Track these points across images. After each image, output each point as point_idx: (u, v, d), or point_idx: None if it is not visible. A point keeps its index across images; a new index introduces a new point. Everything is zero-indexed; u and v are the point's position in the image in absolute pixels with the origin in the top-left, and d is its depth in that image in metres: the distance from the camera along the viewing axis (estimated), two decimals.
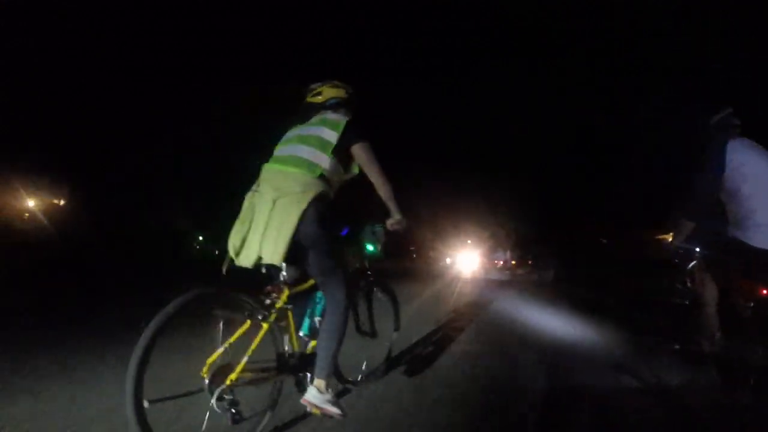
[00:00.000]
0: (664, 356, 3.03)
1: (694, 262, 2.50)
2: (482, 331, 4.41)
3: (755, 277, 2.21)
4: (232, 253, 1.79)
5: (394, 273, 13.24)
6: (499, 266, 18.29)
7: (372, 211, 2.21)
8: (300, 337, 1.98)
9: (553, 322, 5.03)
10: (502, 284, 11.18)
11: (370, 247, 2.21)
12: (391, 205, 2.05)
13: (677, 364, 2.80)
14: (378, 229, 2.26)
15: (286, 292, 1.81)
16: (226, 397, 1.53)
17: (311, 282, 1.97)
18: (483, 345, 3.70)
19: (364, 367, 2.50)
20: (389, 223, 2.14)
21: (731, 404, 2.19)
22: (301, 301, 1.98)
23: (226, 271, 1.81)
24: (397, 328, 2.67)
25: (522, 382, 2.65)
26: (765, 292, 2.18)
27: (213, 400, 1.50)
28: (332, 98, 2.13)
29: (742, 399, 2.09)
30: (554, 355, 3.34)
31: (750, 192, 2.20)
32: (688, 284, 2.55)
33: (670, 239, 2.47)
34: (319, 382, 1.80)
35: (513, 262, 17.99)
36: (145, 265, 14.29)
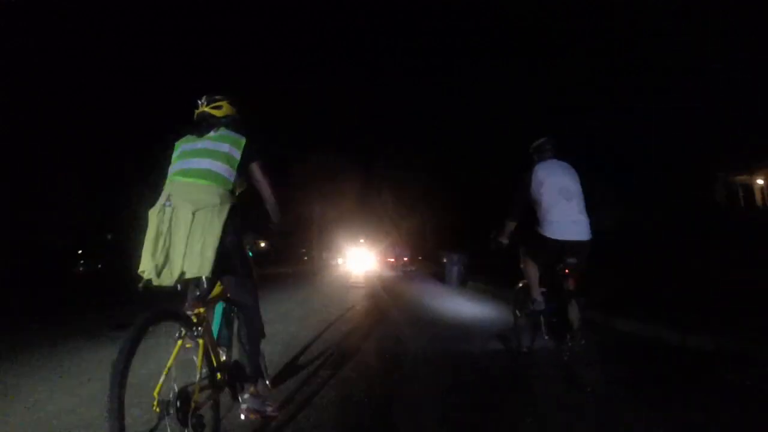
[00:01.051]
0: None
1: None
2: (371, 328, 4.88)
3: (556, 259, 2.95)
4: (152, 272, 1.71)
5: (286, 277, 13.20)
6: (393, 263, 18.76)
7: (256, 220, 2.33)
8: (219, 348, 2.02)
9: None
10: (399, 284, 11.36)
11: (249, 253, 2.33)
12: (275, 214, 2.18)
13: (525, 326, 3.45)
14: (255, 236, 2.35)
15: (203, 308, 1.81)
16: (192, 421, 1.54)
17: (215, 293, 2.02)
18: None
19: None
20: (270, 226, 2.23)
21: (556, 347, 3.01)
22: (209, 315, 1.99)
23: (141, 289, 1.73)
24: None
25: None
26: (566, 271, 2.88)
27: (184, 428, 1.50)
28: (230, 115, 2.21)
29: (564, 343, 2.81)
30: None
31: (547, 199, 2.94)
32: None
33: (499, 236, 3.27)
34: (253, 389, 1.91)
35: (405, 259, 18.29)
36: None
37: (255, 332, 2.03)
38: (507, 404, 2.42)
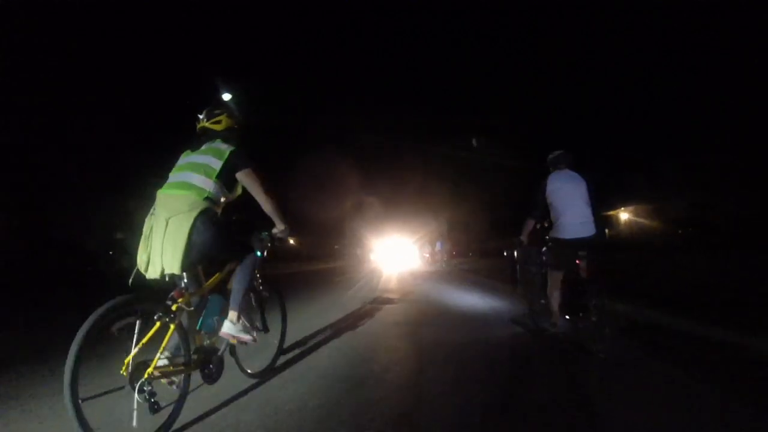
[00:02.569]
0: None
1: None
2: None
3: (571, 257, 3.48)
4: (141, 268, 2.13)
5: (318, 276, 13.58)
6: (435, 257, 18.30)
7: (263, 223, 2.65)
8: (200, 333, 2.34)
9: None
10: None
11: (257, 253, 2.60)
12: (275, 218, 2.54)
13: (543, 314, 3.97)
14: (264, 236, 2.66)
15: (186, 297, 2.17)
16: (146, 389, 1.85)
17: (206, 287, 2.37)
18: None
19: (261, 359, 2.94)
20: (274, 231, 2.63)
21: (573, 326, 3.56)
22: (199, 304, 2.33)
23: (132, 283, 2.09)
24: (283, 324, 3.12)
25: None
26: (578, 261, 3.42)
27: (135, 393, 1.81)
28: (228, 127, 2.52)
29: (579, 321, 3.40)
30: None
31: (559, 204, 3.55)
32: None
33: (520, 235, 3.89)
34: (232, 314, 2.31)
35: (453, 253, 18.17)
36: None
37: (246, 273, 2.43)
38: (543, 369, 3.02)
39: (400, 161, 26.83)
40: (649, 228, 22.70)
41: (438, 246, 19.72)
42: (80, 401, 1.64)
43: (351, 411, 2.21)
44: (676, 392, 2.40)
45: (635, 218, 23.97)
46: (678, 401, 2.26)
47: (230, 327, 2.31)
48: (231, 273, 2.48)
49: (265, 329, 2.85)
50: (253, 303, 2.77)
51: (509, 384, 2.62)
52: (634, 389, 2.44)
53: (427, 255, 21.30)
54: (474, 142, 23.49)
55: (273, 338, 3.01)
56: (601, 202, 3.64)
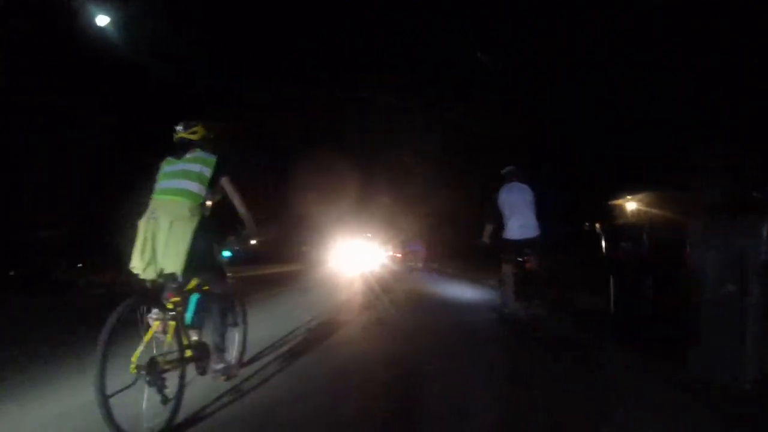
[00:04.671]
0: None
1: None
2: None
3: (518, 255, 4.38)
4: (140, 268, 2.32)
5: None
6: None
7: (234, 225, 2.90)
8: (188, 329, 2.57)
9: None
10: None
11: (226, 253, 2.88)
12: (249, 221, 2.80)
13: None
14: (233, 239, 2.92)
15: (178, 297, 2.42)
16: (158, 383, 2.09)
17: (190, 286, 2.61)
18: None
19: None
20: (245, 233, 2.88)
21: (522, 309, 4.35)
22: (184, 303, 2.56)
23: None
24: (244, 322, 3.23)
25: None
26: (523, 259, 4.35)
27: (151, 387, 2.05)
28: (203, 137, 2.76)
29: (526, 305, 4.28)
30: None
31: (509, 211, 4.40)
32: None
33: (482, 237, 4.72)
34: (220, 355, 2.60)
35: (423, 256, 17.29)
36: None
37: (222, 314, 2.69)
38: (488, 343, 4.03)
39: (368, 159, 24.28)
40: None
41: (416, 247, 19.41)
42: (108, 397, 1.86)
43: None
44: (589, 365, 3.15)
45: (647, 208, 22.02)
46: (589, 372, 3.01)
47: (221, 367, 2.62)
48: (211, 276, 2.70)
49: (234, 323, 3.06)
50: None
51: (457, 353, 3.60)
52: (554, 362, 3.28)
53: (400, 255, 20.93)
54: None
55: (238, 334, 3.18)
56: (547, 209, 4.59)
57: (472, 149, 17.58)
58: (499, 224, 4.52)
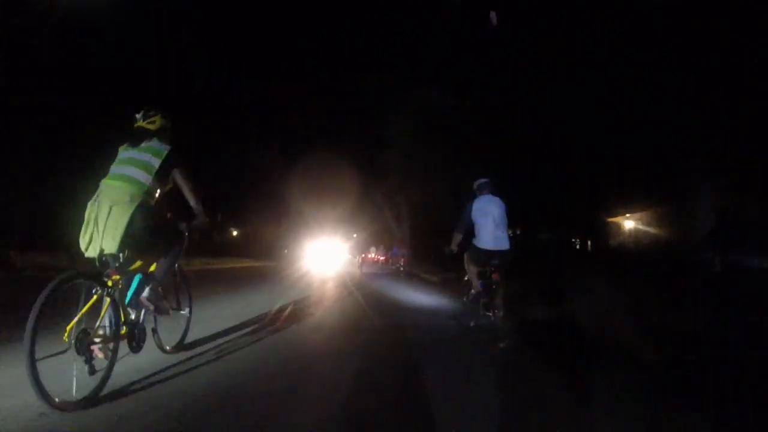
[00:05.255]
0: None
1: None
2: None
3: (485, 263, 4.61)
4: (83, 246, 2.49)
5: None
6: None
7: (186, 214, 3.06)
8: (127, 308, 2.71)
9: None
10: None
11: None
12: (198, 211, 2.94)
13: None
14: (183, 226, 3.04)
15: (119, 275, 2.57)
16: (87, 353, 2.22)
17: (134, 267, 2.76)
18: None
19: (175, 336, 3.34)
20: (194, 223, 3.01)
21: (487, 320, 4.54)
22: (126, 282, 2.71)
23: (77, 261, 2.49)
24: (190, 306, 3.48)
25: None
26: (492, 269, 4.52)
27: (80, 356, 2.18)
28: (161, 127, 2.90)
29: (491, 317, 4.45)
30: None
31: (480, 221, 4.55)
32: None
33: (450, 245, 4.97)
34: (155, 284, 2.76)
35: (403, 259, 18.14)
36: None
37: (168, 260, 2.88)
38: (455, 352, 4.06)
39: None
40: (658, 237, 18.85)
41: (399, 251, 19.56)
42: (36, 362, 1.98)
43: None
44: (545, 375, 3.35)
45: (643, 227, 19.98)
46: (542, 381, 3.17)
47: (151, 294, 2.72)
48: (156, 259, 2.88)
49: (179, 307, 3.32)
50: (171, 284, 3.25)
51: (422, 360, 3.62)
52: (515, 371, 3.42)
53: (383, 258, 21.19)
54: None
55: (183, 319, 3.42)
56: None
57: (464, 154, 17.57)
58: (469, 233, 4.68)
